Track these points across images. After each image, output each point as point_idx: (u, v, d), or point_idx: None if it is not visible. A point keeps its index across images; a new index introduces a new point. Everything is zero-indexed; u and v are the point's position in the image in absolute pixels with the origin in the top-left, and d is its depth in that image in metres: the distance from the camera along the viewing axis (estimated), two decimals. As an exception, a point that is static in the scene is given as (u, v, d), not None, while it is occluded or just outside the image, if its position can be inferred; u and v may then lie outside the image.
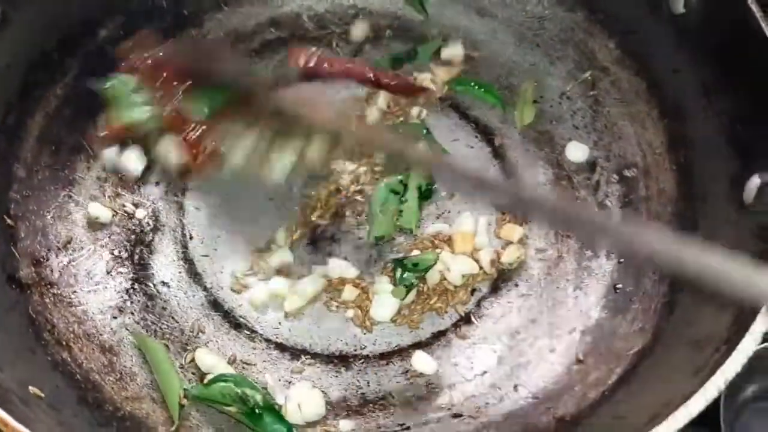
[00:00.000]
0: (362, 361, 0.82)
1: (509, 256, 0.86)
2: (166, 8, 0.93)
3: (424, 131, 0.92)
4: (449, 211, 0.89)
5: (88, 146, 0.88)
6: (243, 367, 0.80)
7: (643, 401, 0.69)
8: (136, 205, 0.88)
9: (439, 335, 0.83)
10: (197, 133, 0.74)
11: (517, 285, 0.85)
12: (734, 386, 0.70)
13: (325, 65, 0.81)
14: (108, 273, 0.84)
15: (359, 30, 0.95)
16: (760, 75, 0.72)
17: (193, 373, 0.79)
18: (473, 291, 0.85)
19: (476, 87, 0.95)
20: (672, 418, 0.59)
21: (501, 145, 0.93)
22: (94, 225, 0.86)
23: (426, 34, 0.97)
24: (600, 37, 0.91)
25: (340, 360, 0.82)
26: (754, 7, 0.72)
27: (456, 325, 0.83)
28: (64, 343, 0.77)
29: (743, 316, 0.63)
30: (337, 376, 0.81)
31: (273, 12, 0.97)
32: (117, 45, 0.89)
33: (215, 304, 0.84)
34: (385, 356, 0.82)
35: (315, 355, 0.82)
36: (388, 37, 0.97)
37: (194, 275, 0.85)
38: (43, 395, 0.67)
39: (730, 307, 0.65)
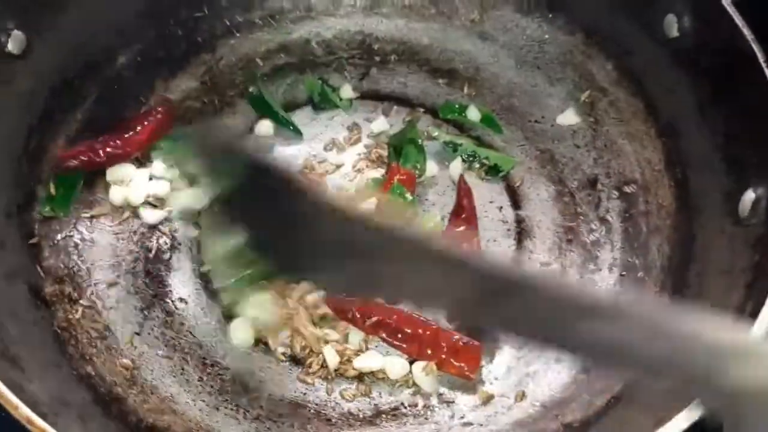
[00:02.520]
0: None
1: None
2: (181, 35, 0.97)
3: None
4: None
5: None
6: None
7: (649, 406, 0.70)
8: (153, 224, 0.90)
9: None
10: None
11: (523, 298, 0.88)
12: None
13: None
14: (128, 290, 0.85)
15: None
16: (752, 94, 0.74)
17: (212, 386, 0.81)
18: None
19: (464, 114, 0.97)
20: (675, 421, 0.60)
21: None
22: (113, 244, 0.88)
23: (430, 59, 1.01)
24: (598, 59, 0.94)
25: (354, 370, 0.83)
26: (746, 31, 0.75)
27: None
28: (87, 357, 0.79)
29: (741, 321, 0.66)
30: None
31: (283, 38, 1.01)
32: (134, 71, 0.93)
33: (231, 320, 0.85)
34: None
35: (323, 366, 0.82)
36: (393, 62, 1.01)
37: (211, 292, 0.87)
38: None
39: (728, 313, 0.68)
